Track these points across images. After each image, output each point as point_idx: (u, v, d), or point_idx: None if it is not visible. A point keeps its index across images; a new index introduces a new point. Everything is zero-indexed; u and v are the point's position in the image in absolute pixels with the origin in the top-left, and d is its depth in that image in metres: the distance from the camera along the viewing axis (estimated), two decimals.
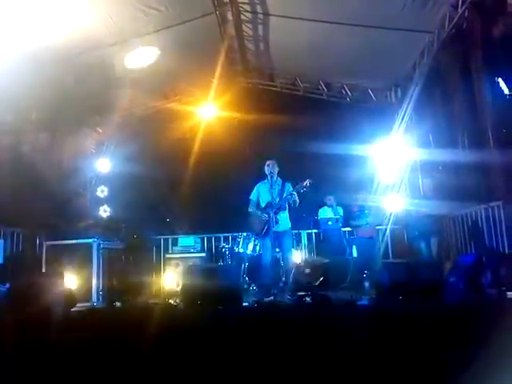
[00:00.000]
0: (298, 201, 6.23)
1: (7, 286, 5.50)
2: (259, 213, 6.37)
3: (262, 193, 6.54)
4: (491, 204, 6.25)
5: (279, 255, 7.12)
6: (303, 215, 8.22)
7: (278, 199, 6.29)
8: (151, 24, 6.90)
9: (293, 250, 6.93)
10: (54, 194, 7.87)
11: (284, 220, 6.37)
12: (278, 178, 6.47)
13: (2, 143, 6.97)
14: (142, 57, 7.25)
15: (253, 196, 6.61)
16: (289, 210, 6.47)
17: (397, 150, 8.54)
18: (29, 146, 7.53)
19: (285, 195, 6.30)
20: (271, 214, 6.16)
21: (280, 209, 6.28)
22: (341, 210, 8.44)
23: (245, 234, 8.20)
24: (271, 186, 6.36)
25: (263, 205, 6.42)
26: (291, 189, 6.34)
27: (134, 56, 7.18)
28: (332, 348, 2.96)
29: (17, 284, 5.31)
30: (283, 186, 6.43)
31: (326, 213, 8.48)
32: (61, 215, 7.75)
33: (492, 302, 4.85)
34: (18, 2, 5.56)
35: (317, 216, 8.56)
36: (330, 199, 8.43)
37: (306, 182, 6.16)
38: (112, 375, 2.98)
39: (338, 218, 8.26)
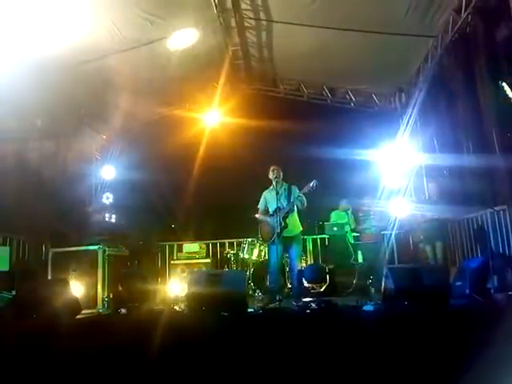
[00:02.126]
0: (305, 203, 6.22)
1: (13, 293, 5.53)
2: (268, 219, 6.36)
3: (269, 200, 6.52)
4: (497, 208, 6.22)
5: (285, 261, 7.10)
6: (308, 220, 8.20)
7: (285, 203, 6.28)
8: (156, 32, 6.95)
9: (301, 255, 6.90)
10: (60, 202, 7.90)
11: (293, 224, 6.35)
12: (284, 183, 6.45)
13: (7, 150, 7.01)
14: (182, 39, 7.23)
15: (260, 204, 6.64)
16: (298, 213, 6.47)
17: (402, 155, 8.52)
18: (34, 153, 7.57)
19: (292, 198, 6.29)
20: (279, 219, 6.14)
21: (288, 213, 6.26)
22: (347, 216, 8.44)
23: (250, 239, 8.19)
24: (277, 191, 6.33)
25: (271, 211, 6.40)
26: (297, 191, 6.32)
27: (174, 39, 7.16)
28: (338, 353, 2.95)
29: (22, 291, 5.33)
30: (289, 189, 6.40)
31: (338, 217, 8.46)
32: (66, 222, 7.77)
33: (499, 306, 4.81)
34: (24, 11, 5.62)
35: (322, 222, 8.53)
36: (344, 202, 8.44)
37: (313, 183, 6.13)
38: (117, 382, 2.98)
39: (343, 224, 8.23)
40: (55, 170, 8.00)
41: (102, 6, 6.07)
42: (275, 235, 6.12)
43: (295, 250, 6.39)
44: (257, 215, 6.61)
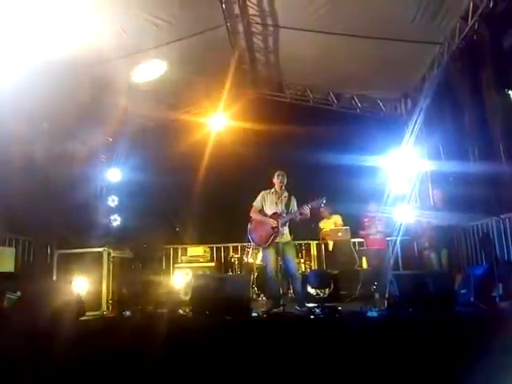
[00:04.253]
0: (308, 215, 6.14)
1: (18, 294, 5.56)
2: (265, 221, 6.18)
3: (267, 202, 6.37)
4: (502, 216, 6.20)
5: (285, 266, 7.05)
6: (312, 225, 8.20)
7: (285, 212, 6.19)
8: (162, 36, 7.00)
9: (296, 260, 6.80)
10: (65, 204, 7.93)
11: (286, 232, 6.26)
12: (286, 190, 6.37)
13: (14, 152, 7.06)
14: (150, 70, 7.35)
15: (257, 203, 6.39)
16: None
17: (407, 161, 8.52)
18: (40, 155, 7.61)
19: (291, 209, 6.18)
20: (280, 225, 6.08)
21: (287, 221, 6.18)
22: (338, 219, 8.43)
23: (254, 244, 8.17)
24: (279, 196, 6.27)
25: (268, 213, 6.28)
26: (295, 204, 6.25)
27: (141, 69, 7.29)
28: (342, 359, 2.95)
29: (28, 292, 5.35)
30: (290, 199, 6.31)
31: (327, 224, 8.48)
32: (72, 224, 7.80)
33: (503, 315, 4.79)
34: (33, 15, 5.69)
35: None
36: (324, 210, 8.42)
37: (321, 200, 6.01)
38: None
39: (347, 229, 8.22)
40: (61, 173, 8.04)
41: (109, 9, 6.11)
42: (272, 239, 6.05)
43: (291, 254, 6.27)
44: (252, 213, 6.37)
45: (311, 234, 8.58)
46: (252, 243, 7.06)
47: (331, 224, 8.46)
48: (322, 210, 8.36)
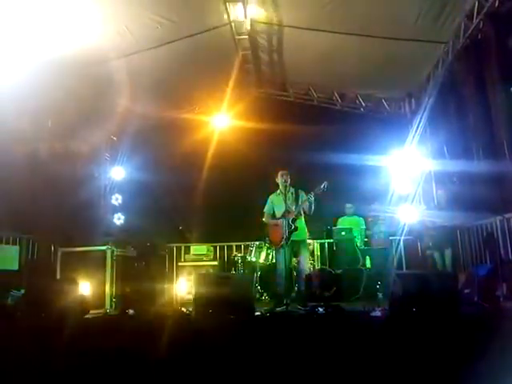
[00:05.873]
0: (313, 206, 6.21)
1: (22, 292, 5.58)
2: (279, 221, 6.33)
3: (276, 203, 6.51)
4: (506, 215, 6.17)
5: (292, 265, 7.08)
6: (317, 224, 8.18)
7: (294, 207, 6.29)
8: (166, 35, 7.00)
9: (308, 260, 6.89)
10: (69, 202, 7.95)
11: (301, 228, 6.35)
12: (291, 187, 6.45)
13: (19, 150, 7.08)
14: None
15: (267, 208, 6.61)
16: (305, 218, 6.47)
17: (411, 161, 8.49)
18: (44, 153, 7.63)
19: (300, 202, 6.30)
20: (289, 222, 6.15)
21: (298, 216, 6.28)
22: (362, 222, 8.40)
23: (257, 243, 8.19)
24: (285, 195, 6.33)
25: (279, 215, 6.39)
26: (304, 195, 6.32)
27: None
28: (344, 359, 2.94)
29: (31, 290, 5.37)
30: (297, 194, 6.42)
31: (345, 222, 8.45)
32: (75, 222, 7.82)
33: (507, 314, 4.77)
34: (36, 15, 5.70)
35: (331, 226, 8.51)
36: (349, 208, 8.43)
37: (324, 185, 6.12)
38: (123, 383, 2.99)
39: (351, 228, 8.20)
40: (65, 171, 8.05)
41: (112, 8, 6.12)
42: (285, 238, 6.13)
43: (303, 254, 6.39)
44: (265, 219, 6.60)
45: (313, 234, 8.55)
46: (269, 245, 7.44)
47: (349, 223, 8.43)
48: (347, 206, 8.42)
